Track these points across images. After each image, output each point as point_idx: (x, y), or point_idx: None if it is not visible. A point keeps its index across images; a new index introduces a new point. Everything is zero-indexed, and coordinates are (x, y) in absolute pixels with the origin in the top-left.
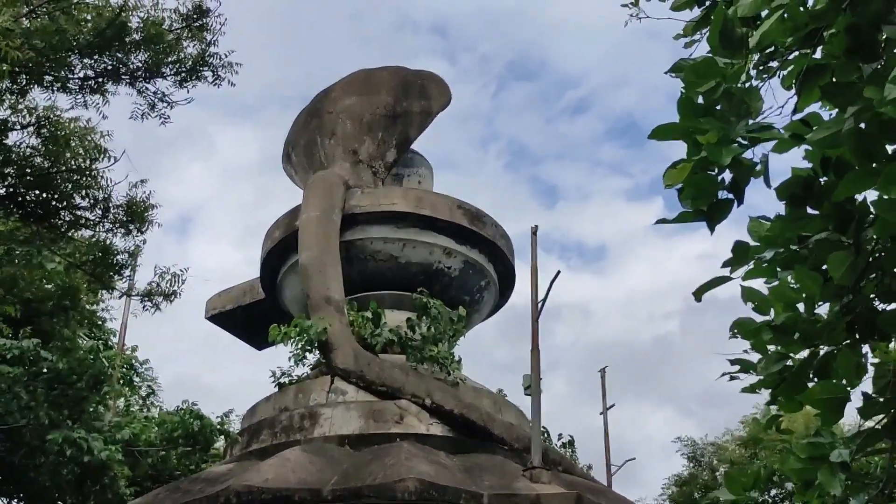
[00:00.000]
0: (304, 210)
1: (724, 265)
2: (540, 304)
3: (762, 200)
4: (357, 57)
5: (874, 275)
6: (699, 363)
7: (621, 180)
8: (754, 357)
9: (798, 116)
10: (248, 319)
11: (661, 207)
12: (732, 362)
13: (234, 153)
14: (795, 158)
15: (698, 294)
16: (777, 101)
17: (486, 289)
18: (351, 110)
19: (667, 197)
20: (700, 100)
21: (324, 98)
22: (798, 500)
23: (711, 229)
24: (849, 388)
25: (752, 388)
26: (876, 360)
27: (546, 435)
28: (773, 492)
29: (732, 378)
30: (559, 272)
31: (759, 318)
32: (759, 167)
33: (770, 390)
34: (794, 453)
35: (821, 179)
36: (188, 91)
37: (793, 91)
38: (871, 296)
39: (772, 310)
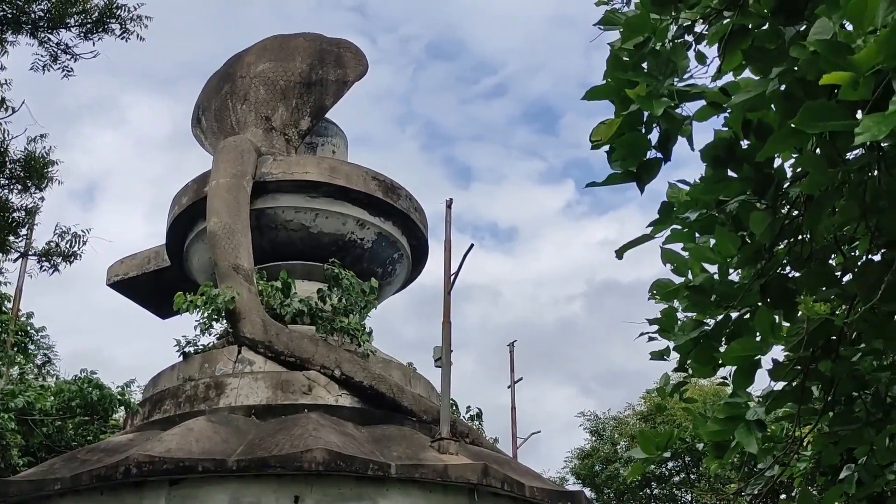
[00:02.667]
0: (213, 176)
1: (650, 225)
2: (452, 277)
3: (674, 171)
4: (277, 32)
5: (786, 242)
6: (601, 344)
7: (535, 163)
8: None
9: (720, 83)
10: (153, 287)
11: (572, 191)
12: (651, 322)
13: (147, 125)
14: (714, 125)
15: (620, 252)
16: (700, 63)
17: (399, 261)
18: (265, 76)
19: (578, 180)
20: (626, 58)
21: (237, 62)
22: (708, 464)
23: (641, 189)
24: (763, 348)
25: (660, 354)
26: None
27: (455, 407)
28: (671, 464)
29: (651, 339)
30: (472, 245)
31: (677, 281)
32: (686, 124)
33: (678, 358)
34: (709, 416)
35: (742, 143)
36: (94, 44)
37: (716, 53)
38: (784, 262)
39: (689, 272)
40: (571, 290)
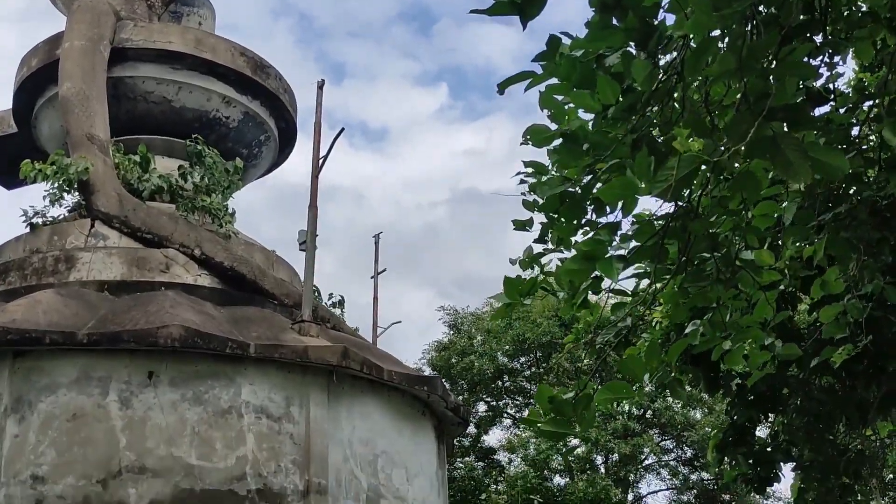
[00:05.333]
0: (67, 38)
1: (535, 59)
2: (321, 160)
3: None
4: None
5: (658, 105)
6: (461, 251)
7: (409, 64)
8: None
9: None
10: None
11: (446, 95)
12: (526, 164)
13: None
14: None
15: (502, 87)
16: None
17: (266, 143)
18: None
19: (452, 85)
20: None
21: None
22: (565, 315)
23: (524, 24)
24: (641, 190)
25: (523, 224)
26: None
27: (317, 294)
28: (522, 359)
29: (522, 182)
30: (343, 129)
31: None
32: None
33: (541, 225)
34: (570, 260)
35: None
36: None
37: None
38: (655, 123)
39: (567, 121)
40: (435, 196)
